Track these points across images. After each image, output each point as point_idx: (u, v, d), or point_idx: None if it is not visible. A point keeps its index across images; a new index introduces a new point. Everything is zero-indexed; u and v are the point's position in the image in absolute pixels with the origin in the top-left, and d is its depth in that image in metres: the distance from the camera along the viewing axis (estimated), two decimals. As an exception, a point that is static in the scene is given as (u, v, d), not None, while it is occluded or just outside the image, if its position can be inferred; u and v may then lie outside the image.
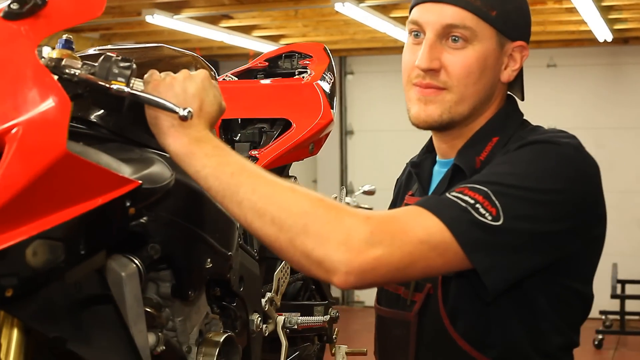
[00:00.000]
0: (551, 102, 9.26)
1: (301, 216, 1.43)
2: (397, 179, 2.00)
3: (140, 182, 1.54)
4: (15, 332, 1.49)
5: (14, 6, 1.44)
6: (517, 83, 1.80)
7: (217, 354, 1.92)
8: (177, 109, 1.50)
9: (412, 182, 1.88)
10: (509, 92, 1.81)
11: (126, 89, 1.54)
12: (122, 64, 1.58)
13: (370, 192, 6.07)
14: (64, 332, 1.47)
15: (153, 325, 1.77)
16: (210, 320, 2.02)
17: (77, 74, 1.53)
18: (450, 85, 1.68)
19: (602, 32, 8.07)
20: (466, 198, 1.49)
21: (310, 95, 2.76)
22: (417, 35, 1.72)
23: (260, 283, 2.40)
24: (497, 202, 1.49)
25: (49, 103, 1.37)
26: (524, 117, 1.79)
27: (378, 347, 1.84)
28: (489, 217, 1.47)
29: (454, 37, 1.67)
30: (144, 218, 1.65)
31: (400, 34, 8.12)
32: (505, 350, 1.62)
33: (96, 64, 1.60)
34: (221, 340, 1.95)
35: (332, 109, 2.79)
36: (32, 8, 1.44)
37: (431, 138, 1.84)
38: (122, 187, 1.50)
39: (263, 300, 2.38)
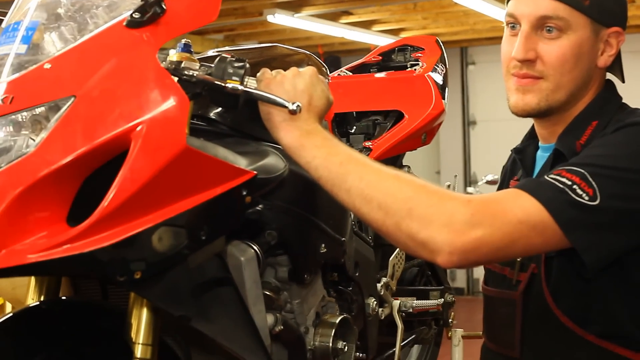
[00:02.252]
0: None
1: (406, 201, 1.52)
2: (503, 167, 2.06)
3: (255, 172, 1.66)
4: (144, 313, 1.63)
5: (136, 15, 1.58)
6: (616, 67, 1.84)
7: (333, 335, 2.03)
8: (286, 104, 1.62)
9: (517, 168, 1.94)
10: (607, 77, 1.85)
11: (240, 87, 1.66)
12: (236, 64, 1.70)
13: (493, 182, 6.08)
14: (188, 311, 1.61)
15: (272, 307, 1.89)
16: (327, 303, 2.14)
17: (195, 74, 1.66)
18: (547, 74, 1.74)
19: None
20: (563, 179, 1.55)
21: (422, 87, 2.85)
22: (513, 27, 1.78)
23: (376, 269, 2.50)
24: (593, 183, 1.54)
25: (170, 102, 1.50)
26: (623, 101, 1.82)
27: (486, 326, 1.91)
28: (586, 198, 1.52)
29: (548, 28, 1.72)
30: (260, 206, 1.77)
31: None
32: (606, 325, 1.66)
33: (212, 65, 1.73)
34: (337, 321, 2.06)
35: (444, 99, 2.87)
36: (152, 17, 1.58)
37: (533, 125, 1.90)
38: (239, 178, 1.63)
39: (379, 285, 2.47)
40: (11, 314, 1.65)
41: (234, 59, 1.72)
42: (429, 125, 2.78)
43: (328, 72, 2.24)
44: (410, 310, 2.57)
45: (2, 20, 1.77)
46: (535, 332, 1.74)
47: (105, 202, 1.45)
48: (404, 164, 2.88)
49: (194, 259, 1.60)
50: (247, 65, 1.71)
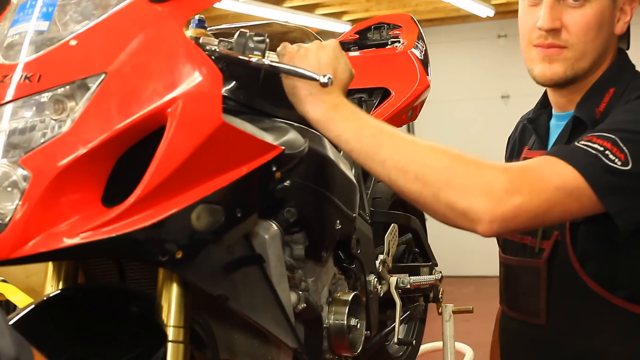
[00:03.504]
0: None
1: (443, 171, 1.51)
2: (509, 137, 2.07)
3: (283, 148, 1.64)
4: (174, 294, 1.60)
5: None
6: (625, 35, 1.87)
7: (347, 312, 2.02)
8: (317, 77, 1.59)
9: (527, 138, 1.95)
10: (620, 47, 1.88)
11: (266, 61, 1.63)
12: (256, 39, 1.68)
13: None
14: (225, 290, 1.58)
15: (290, 285, 1.87)
16: (337, 281, 2.12)
17: (217, 50, 1.62)
18: (572, 43, 1.77)
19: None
20: (595, 146, 1.56)
21: (406, 63, 2.84)
22: None
23: (373, 246, 2.49)
24: (625, 148, 1.56)
25: (204, 77, 1.47)
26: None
27: (506, 295, 1.92)
28: (619, 163, 1.54)
29: None
30: (287, 182, 1.74)
31: (462, 2, 8.13)
32: (634, 289, 1.69)
33: (231, 40, 1.70)
34: (349, 299, 2.05)
35: (428, 75, 2.86)
36: None
37: (544, 94, 1.90)
38: (269, 153, 1.60)
39: (376, 262, 2.46)
40: (33, 305, 1.60)
41: (253, 33, 1.69)
42: (416, 101, 2.78)
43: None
44: (408, 286, 2.56)
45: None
46: (561, 298, 1.76)
47: (144, 182, 1.41)
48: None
49: (228, 237, 1.57)
50: (267, 40, 1.69)
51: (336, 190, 1.97)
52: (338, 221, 1.98)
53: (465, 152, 1.56)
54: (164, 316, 1.59)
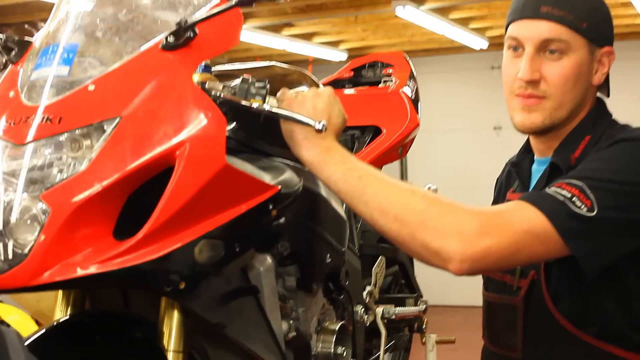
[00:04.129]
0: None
1: (420, 213, 1.64)
2: (497, 179, 2.18)
3: (279, 187, 1.77)
4: (174, 321, 1.73)
5: (171, 39, 1.68)
6: (604, 84, 1.97)
7: (334, 341, 2.15)
8: (313, 123, 1.72)
9: (512, 180, 2.07)
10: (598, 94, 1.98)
11: (266, 107, 1.76)
12: (258, 85, 1.81)
13: (433, 191, 6.24)
14: (222, 318, 1.71)
15: (282, 315, 2.00)
16: (326, 311, 2.25)
17: (222, 95, 1.76)
18: (550, 93, 1.85)
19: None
20: (564, 192, 1.68)
21: (397, 103, 2.98)
22: (515, 49, 1.90)
23: (361, 277, 2.62)
24: (591, 195, 1.67)
25: (210, 122, 1.61)
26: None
27: (487, 330, 2.03)
28: (585, 209, 1.66)
29: (551, 50, 1.84)
30: (282, 218, 1.87)
31: (457, 34, 8.29)
32: (603, 327, 1.79)
33: (233, 85, 1.83)
34: (337, 328, 2.18)
35: (418, 114, 3.01)
36: (186, 40, 1.68)
37: (528, 140, 2.03)
38: (267, 192, 1.74)
39: (364, 293, 2.60)
40: (44, 329, 1.70)
41: (255, 80, 1.83)
42: (405, 139, 2.92)
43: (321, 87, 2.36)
44: (393, 316, 2.69)
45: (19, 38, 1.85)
46: (536, 334, 1.87)
47: (152, 218, 1.54)
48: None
49: (227, 269, 1.70)
50: (268, 86, 1.82)
51: (327, 226, 2.10)
52: (328, 255, 2.11)
53: (442, 197, 1.70)
54: (165, 341, 1.72)
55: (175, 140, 1.57)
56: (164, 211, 1.54)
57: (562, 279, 1.82)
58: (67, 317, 1.79)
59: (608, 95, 2.00)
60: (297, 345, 2.05)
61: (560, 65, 1.84)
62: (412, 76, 3.18)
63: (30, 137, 1.58)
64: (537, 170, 1.98)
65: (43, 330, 1.69)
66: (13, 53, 1.82)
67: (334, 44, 9.31)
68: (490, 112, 9.68)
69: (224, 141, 1.62)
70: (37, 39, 1.82)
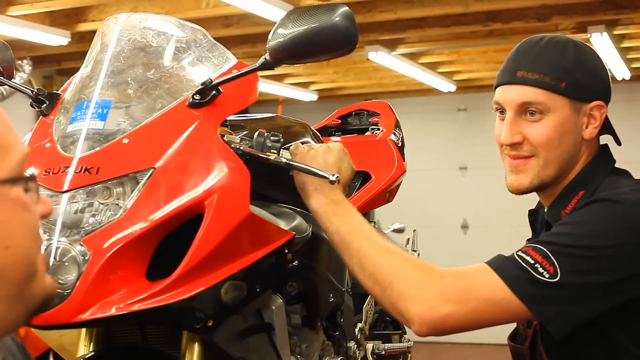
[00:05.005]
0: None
1: (389, 274, 1.79)
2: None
3: (293, 233, 1.93)
4: (195, 357, 1.86)
5: (197, 97, 1.84)
6: (610, 132, 1.98)
7: None
8: (327, 175, 1.88)
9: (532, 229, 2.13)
10: (603, 143, 1.99)
11: (283, 159, 1.92)
12: (273, 138, 1.97)
13: (399, 230, 6.36)
14: (243, 354, 1.86)
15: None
16: (325, 347, 2.40)
17: (241, 148, 1.91)
18: (536, 152, 1.88)
19: (621, 71, 8.43)
20: (527, 258, 1.74)
21: (385, 150, 3.15)
22: (502, 112, 1.94)
23: (353, 315, 2.77)
24: (555, 261, 1.70)
25: (235, 173, 1.76)
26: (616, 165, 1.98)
27: None
28: (547, 275, 1.70)
29: (530, 112, 1.87)
30: (295, 262, 2.02)
31: (426, 77, 8.53)
32: None
33: (250, 139, 1.99)
34: (337, 363, 2.33)
35: (404, 160, 3.18)
36: (210, 98, 1.84)
37: None
38: (284, 237, 1.89)
39: (356, 330, 2.75)
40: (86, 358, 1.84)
41: (270, 133, 1.98)
42: (393, 184, 3.08)
43: (320, 138, 2.52)
44: (383, 352, 2.84)
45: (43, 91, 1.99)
46: None
47: (184, 262, 1.69)
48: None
49: (248, 308, 1.85)
50: (282, 139, 1.98)
51: (330, 268, 2.26)
52: (331, 294, 2.26)
53: (413, 258, 1.85)
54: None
55: (205, 191, 1.72)
56: (194, 255, 1.69)
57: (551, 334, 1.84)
58: (94, 352, 1.91)
59: (619, 144, 2.00)
60: (303, 380, 2.20)
61: (541, 125, 1.87)
62: (397, 125, 3.36)
63: (69, 185, 1.73)
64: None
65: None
66: (44, 105, 1.96)
67: (305, 85, 9.51)
68: (456, 153, 9.93)
69: (248, 191, 1.77)
70: (67, 92, 1.96)
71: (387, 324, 3.30)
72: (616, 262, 1.73)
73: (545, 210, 1.99)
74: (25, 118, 7.61)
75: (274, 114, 2.46)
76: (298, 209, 2.15)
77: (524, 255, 1.73)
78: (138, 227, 1.68)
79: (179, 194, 1.72)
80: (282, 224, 1.96)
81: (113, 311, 1.66)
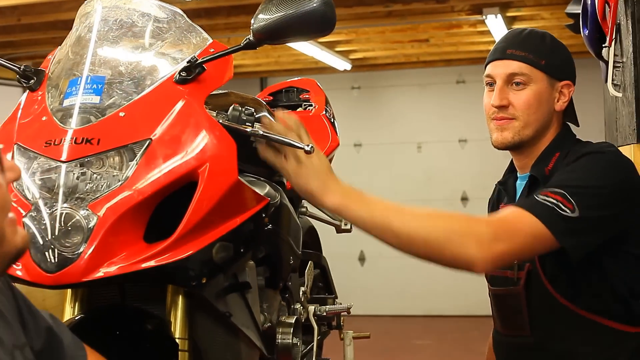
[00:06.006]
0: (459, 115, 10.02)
1: (444, 233, 2.01)
2: (489, 199, 2.61)
3: (269, 198, 2.11)
4: (179, 313, 2.02)
5: (183, 74, 1.99)
6: (572, 114, 2.44)
7: (292, 332, 2.49)
8: (303, 146, 2.06)
9: (502, 197, 2.51)
10: (566, 122, 2.43)
11: (260, 132, 2.09)
12: (247, 112, 2.13)
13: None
14: (229, 309, 2.03)
15: (257, 308, 2.32)
16: (281, 307, 2.58)
17: (220, 121, 2.07)
18: (517, 115, 2.32)
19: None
20: (551, 199, 2.09)
21: (319, 125, 3.35)
22: (490, 85, 2.37)
23: (298, 278, 2.97)
24: (572, 200, 2.09)
25: (223, 144, 1.92)
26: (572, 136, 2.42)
27: (498, 317, 2.45)
28: (568, 211, 2.08)
29: (516, 82, 2.32)
30: (270, 226, 2.20)
31: (323, 56, 8.74)
32: (593, 303, 2.23)
33: (226, 113, 2.14)
34: (293, 322, 2.52)
35: (337, 134, 3.38)
36: (195, 75, 2.00)
37: (511, 162, 2.48)
38: (262, 203, 2.07)
39: (299, 293, 2.94)
40: (70, 324, 1.96)
41: (243, 108, 2.15)
42: (329, 156, 3.28)
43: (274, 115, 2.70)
44: (324, 314, 3.04)
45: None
46: (539, 313, 2.29)
47: (181, 226, 1.84)
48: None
49: (233, 267, 2.02)
50: (255, 113, 2.15)
51: (291, 233, 2.44)
52: (291, 257, 2.45)
53: (453, 212, 2.11)
54: (172, 329, 2.01)
55: (197, 160, 1.88)
56: (190, 219, 1.85)
57: (557, 265, 2.23)
58: (83, 314, 2.04)
59: (578, 125, 2.45)
60: (268, 335, 2.38)
61: (523, 93, 2.32)
62: (327, 101, 3.56)
63: (72, 155, 1.86)
64: (520, 185, 2.42)
65: (70, 325, 1.95)
66: (32, 81, 2.07)
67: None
68: (351, 130, 10.20)
69: (235, 159, 1.94)
70: (51, 69, 2.08)
71: (320, 289, 3.50)
72: (615, 197, 2.16)
73: (519, 175, 2.43)
74: None
75: (227, 91, 2.60)
76: (263, 179, 2.33)
77: (546, 198, 2.10)
78: (139, 193, 1.83)
79: (174, 163, 1.87)
80: (259, 191, 2.13)
81: (118, 271, 1.81)
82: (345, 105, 10.31)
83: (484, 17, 6.86)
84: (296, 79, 3.81)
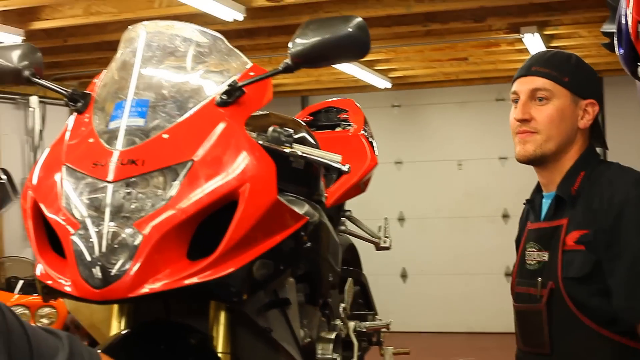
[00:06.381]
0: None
1: None
2: (520, 219, 2.61)
3: (308, 217, 2.17)
4: (221, 328, 2.09)
5: (224, 97, 2.06)
6: (599, 136, 2.44)
7: (332, 348, 2.54)
8: (340, 166, 2.12)
9: (529, 216, 2.52)
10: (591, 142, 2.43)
11: (299, 152, 2.15)
12: (286, 133, 2.20)
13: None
14: (269, 324, 2.09)
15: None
16: (321, 323, 2.64)
17: (260, 142, 2.14)
18: (539, 129, 2.33)
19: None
20: None
21: (358, 144, 3.42)
22: (516, 102, 2.38)
23: (338, 295, 3.03)
24: None
25: (263, 164, 1.99)
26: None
27: (520, 334, 2.46)
28: None
29: (539, 97, 2.34)
30: (308, 244, 2.26)
31: (363, 75, 8.81)
32: (614, 320, 2.20)
33: (266, 134, 2.21)
34: (333, 337, 2.58)
35: (375, 153, 3.45)
36: (236, 98, 2.07)
37: (538, 183, 2.48)
38: (301, 221, 2.13)
39: (340, 309, 3.00)
40: (118, 338, 2.04)
41: (282, 129, 2.21)
42: (367, 175, 3.35)
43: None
44: (364, 330, 3.10)
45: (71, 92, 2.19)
46: (560, 331, 2.30)
47: (222, 244, 1.91)
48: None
49: (273, 284, 2.08)
50: (294, 134, 2.22)
51: (330, 250, 2.50)
52: (330, 275, 2.51)
53: None
54: (215, 344, 2.07)
55: (238, 180, 1.95)
56: (231, 238, 1.92)
57: (581, 286, 2.23)
58: (129, 329, 2.11)
59: (606, 148, 2.49)
60: (308, 351, 2.43)
61: (546, 108, 2.34)
62: (366, 121, 3.63)
63: (118, 175, 1.93)
64: (546, 204, 2.42)
65: (118, 339, 2.03)
66: (79, 104, 2.16)
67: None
68: (392, 147, 10.24)
69: (275, 179, 2.00)
70: (97, 92, 2.16)
71: (360, 306, 3.56)
72: None
73: (544, 193, 2.43)
74: None
75: (268, 112, 2.67)
76: (303, 198, 2.39)
77: None
78: (182, 213, 1.90)
79: (215, 183, 1.94)
80: (297, 210, 2.19)
81: (162, 287, 1.87)
82: (385, 123, 10.36)
83: (521, 35, 6.86)
84: (335, 99, 3.89)
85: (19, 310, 6.10)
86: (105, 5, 6.05)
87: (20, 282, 6.36)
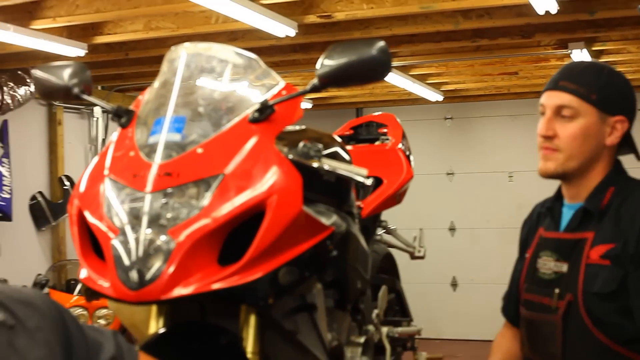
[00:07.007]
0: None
1: None
2: (525, 221, 2.62)
3: (334, 227, 2.31)
4: (251, 330, 2.23)
5: (256, 114, 2.21)
6: (631, 146, 2.39)
7: (361, 352, 2.68)
8: (364, 180, 2.26)
9: (542, 221, 2.51)
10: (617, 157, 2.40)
11: (326, 166, 2.30)
12: (315, 148, 2.35)
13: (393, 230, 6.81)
14: (294, 328, 2.23)
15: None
16: (351, 327, 2.78)
17: (290, 156, 2.28)
18: (561, 147, 2.29)
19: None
20: None
21: (395, 158, 3.56)
22: (543, 114, 2.35)
23: (371, 301, 3.16)
24: None
25: (290, 178, 2.13)
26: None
27: (529, 342, 2.45)
28: None
29: (564, 115, 2.29)
30: (334, 252, 2.40)
31: (415, 88, 8.92)
32: (631, 338, 2.20)
33: (297, 149, 2.36)
34: (362, 341, 2.71)
35: (412, 167, 3.58)
36: (267, 115, 2.22)
37: (559, 189, 2.47)
38: (326, 231, 2.27)
39: (373, 315, 3.13)
40: (156, 337, 2.21)
41: (311, 144, 2.36)
42: (402, 188, 3.48)
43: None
44: (396, 335, 3.23)
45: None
46: (574, 345, 2.29)
47: (250, 251, 2.06)
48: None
49: (299, 290, 2.22)
50: (323, 149, 2.36)
51: (359, 259, 2.64)
52: (358, 282, 2.65)
53: None
54: (245, 345, 2.22)
55: (266, 192, 2.09)
56: (259, 245, 2.06)
57: (600, 303, 2.22)
58: (166, 328, 2.27)
59: (638, 158, 2.42)
60: (336, 354, 2.57)
61: (570, 126, 2.29)
62: (404, 135, 3.77)
63: (155, 186, 2.10)
64: (567, 213, 2.41)
65: (155, 338, 2.19)
66: (123, 119, 2.33)
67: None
68: (444, 159, 10.33)
69: (301, 192, 2.14)
70: (141, 108, 2.34)
71: (396, 312, 3.69)
72: None
73: (566, 202, 2.42)
74: (38, 119, 8.04)
75: (304, 127, 2.82)
76: (332, 208, 2.53)
77: None
78: (214, 221, 2.06)
79: (245, 195, 2.09)
80: (324, 220, 2.33)
81: (193, 290, 2.03)
82: (438, 135, 10.47)
83: (569, 51, 6.91)
84: (377, 114, 4.04)
85: (77, 311, 6.34)
86: (165, 21, 6.25)
87: (80, 284, 6.58)
